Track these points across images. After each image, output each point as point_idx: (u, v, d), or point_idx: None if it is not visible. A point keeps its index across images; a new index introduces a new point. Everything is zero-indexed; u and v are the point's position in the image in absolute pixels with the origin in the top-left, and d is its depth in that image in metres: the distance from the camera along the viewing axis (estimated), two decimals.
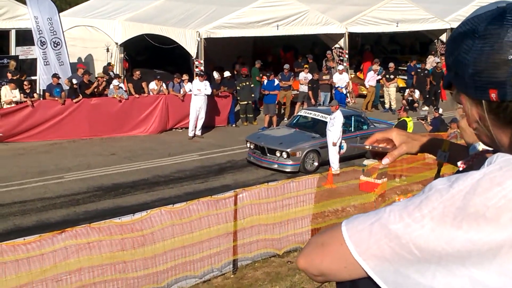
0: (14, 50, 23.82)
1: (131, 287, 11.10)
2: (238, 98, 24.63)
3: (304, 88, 25.89)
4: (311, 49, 30.67)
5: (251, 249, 12.94)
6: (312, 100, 25.04)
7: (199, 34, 24.43)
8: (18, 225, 14.71)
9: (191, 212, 11.74)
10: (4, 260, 9.58)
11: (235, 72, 26.52)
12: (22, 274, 9.80)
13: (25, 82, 21.70)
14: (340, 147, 19.07)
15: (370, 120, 21.26)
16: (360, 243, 1.63)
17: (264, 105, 24.86)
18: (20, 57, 23.65)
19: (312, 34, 27.97)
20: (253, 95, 24.99)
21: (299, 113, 21.68)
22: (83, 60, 27.08)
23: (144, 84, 23.67)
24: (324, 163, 19.26)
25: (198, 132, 22.79)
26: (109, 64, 25.66)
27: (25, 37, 23.68)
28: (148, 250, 11.21)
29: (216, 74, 24.82)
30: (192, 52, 24.61)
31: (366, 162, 17.18)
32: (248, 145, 19.92)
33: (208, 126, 23.49)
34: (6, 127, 20.73)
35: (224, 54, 27.55)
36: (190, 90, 23.14)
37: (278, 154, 19.01)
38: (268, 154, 19.22)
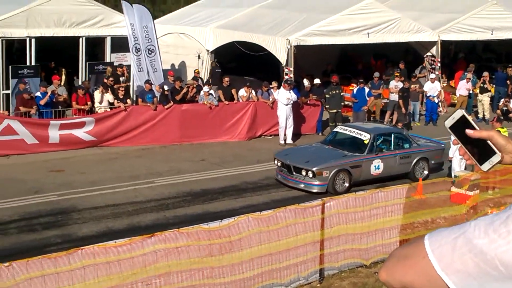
0: (109, 56, 24.49)
1: None
2: (327, 106, 24.54)
3: (394, 97, 25.58)
4: (402, 57, 30.28)
5: (338, 259, 12.85)
6: (403, 109, 24.70)
7: (289, 42, 24.52)
8: (111, 227, 15.10)
9: (278, 220, 11.76)
10: (96, 262, 9.83)
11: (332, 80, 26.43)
12: (114, 276, 10.04)
13: (120, 88, 22.27)
14: (376, 167, 18.31)
15: (413, 137, 19.84)
16: (443, 258, 1.62)
17: (353, 113, 24.69)
18: (114, 64, 24.29)
19: (403, 42, 27.64)
20: (342, 104, 24.84)
21: (335, 129, 20.26)
22: (176, 67, 27.59)
23: (233, 91, 23.91)
24: (356, 184, 17.96)
25: (289, 140, 22.82)
26: (196, 70, 25.98)
27: (119, 44, 24.31)
28: (235, 256, 11.29)
29: (306, 82, 24.84)
30: (282, 59, 24.71)
31: (457, 173, 16.79)
32: (276, 162, 18.67)
33: (296, 133, 23.51)
34: (101, 132, 21.31)
35: (314, 61, 27.53)
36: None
37: (304, 173, 17.69)
38: (294, 173, 17.94)
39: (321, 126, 24.68)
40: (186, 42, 28.10)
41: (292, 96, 22.87)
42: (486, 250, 1.57)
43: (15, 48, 24.27)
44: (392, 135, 19.10)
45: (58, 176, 18.52)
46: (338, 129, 19.94)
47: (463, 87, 27.62)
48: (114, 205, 16.45)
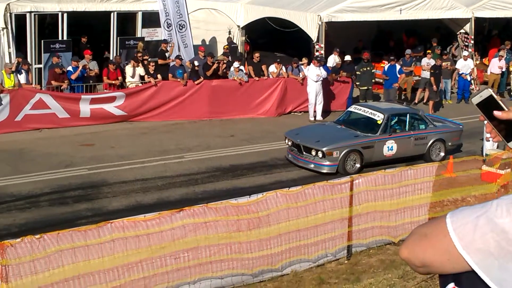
0: (140, 31, 24.53)
1: (246, 267, 11.28)
2: (358, 83, 24.40)
3: (426, 74, 25.34)
4: (435, 34, 29.95)
5: (366, 236, 12.85)
6: (434, 87, 24.47)
7: (320, 18, 24.36)
8: (140, 201, 15.24)
9: (306, 196, 11.78)
10: (126, 235, 9.95)
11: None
12: (143, 249, 10.15)
13: (150, 63, 22.34)
14: (389, 148, 18.00)
15: (429, 118, 19.40)
16: (464, 236, 1.61)
17: (384, 90, 24.53)
18: (145, 39, 24.33)
19: (436, 18, 27.31)
20: (373, 81, 24.67)
21: (349, 109, 19.78)
22: (206, 43, 27.56)
23: (264, 67, 23.86)
24: (368, 165, 17.55)
25: (319, 117, 22.77)
26: (225, 46, 25.89)
27: (150, 19, 24.33)
28: (263, 232, 11.35)
29: (337, 58, 24.70)
30: (313, 36, 24.58)
31: (488, 151, 16.63)
32: (286, 141, 18.39)
33: (326, 110, 23.43)
34: (131, 106, 21.44)
35: (345, 38, 27.34)
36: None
37: (313, 153, 17.35)
38: (304, 153, 17.61)
39: (351, 103, 24.49)
40: (217, 18, 28.04)
41: (322, 72, 22.78)
42: (508, 229, 1.56)
43: (47, 22, 24.40)
44: (408, 116, 18.68)
45: (89, 150, 18.70)
46: (352, 108, 19.49)
47: (495, 65, 27.28)
48: (144, 180, 16.58)
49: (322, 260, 12.30)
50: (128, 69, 22.19)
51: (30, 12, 21.98)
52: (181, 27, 24.12)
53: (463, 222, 1.64)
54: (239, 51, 26.93)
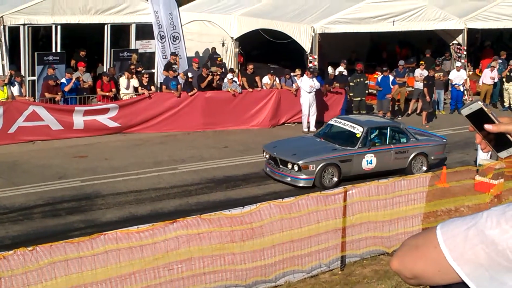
0: (134, 44, 24.55)
1: (240, 278, 11.25)
2: (351, 94, 24.46)
3: (419, 85, 25.41)
4: (427, 46, 30.07)
5: (360, 246, 12.85)
6: (427, 97, 24.53)
7: (313, 29, 24.43)
8: (133, 213, 15.21)
9: (300, 207, 11.77)
10: (119, 247, 9.92)
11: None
12: (136, 261, 10.13)
13: (144, 75, 22.35)
14: (368, 162, 17.65)
15: (412, 131, 18.94)
16: (455, 248, 1.61)
17: (377, 102, 24.59)
18: (139, 51, 24.34)
19: (429, 30, 27.42)
20: (366, 92, 24.71)
21: (330, 122, 19.26)
22: (200, 55, 27.61)
23: (257, 78, 23.89)
24: (347, 179, 17.03)
25: (313, 128, 22.79)
26: (218, 58, 25.88)
27: (144, 31, 24.36)
28: (256, 243, 11.33)
29: (330, 70, 24.78)
30: (306, 47, 24.64)
31: (482, 161, 16.66)
32: (264, 154, 18.08)
33: (320, 121, 23.43)
34: (125, 118, 21.43)
35: (339, 49, 27.41)
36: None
37: (290, 166, 17.04)
38: (281, 166, 17.30)
39: (345, 114, 24.59)
40: (210, 30, 28.11)
41: (315, 83, 22.84)
42: (497, 241, 1.56)
43: (40, 34, 24.40)
44: (388, 129, 18.33)
45: (82, 162, 18.67)
46: (332, 121, 19.07)
47: (487, 76, 27.39)
48: (137, 191, 16.56)
49: (316, 271, 12.28)
50: (122, 81, 22.21)
51: (24, 24, 21.97)
52: (174, 39, 24.15)
53: (454, 234, 1.64)
54: (232, 62, 26.97)
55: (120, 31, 24.75)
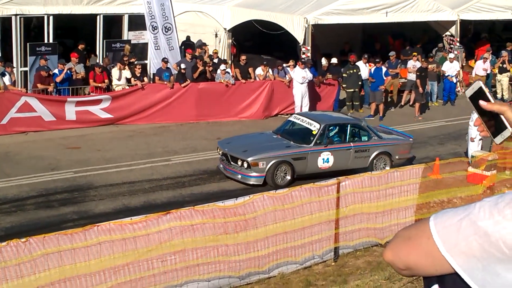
0: (126, 34, 24.48)
1: (233, 270, 11.27)
2: (344, 85, 24.47)
3: (412, 77, 25.43)
4: (421, 37, 30.07)
5: (353, 238, 12.88)
6: (420, 89, 24.55)
7: (306, 21, 24.40)
8: (127, 204, 15.21)
9: (293, 198, 11.79)
10: (112, 239, 9.92)
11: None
12: (129, 252, 10.12)
13: (137, 66, 22.30)
14: (325, 161, 16.97)
15: (376, 129, 18.31)
16: (448, 239, 1.62)
17: (370, 93, 24.61)
18: (132, 42, 24.28)
19: (422, 21, 27.42)
20: (360, 83, 24.71)
21: (290, 118, 18.63)
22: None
23: (250, 70, 23.87)
24: (301, 178, 16.39)
25: None
26: (214, 50, 25.83)
27: (137, 22, 24.29)
28: (250, 234, 11.34)
29: (324, 61, 24.77)
30: (299, 38, 24.61)
31: (474, 153, 16.70)
32: (218, 150, 17.56)
33: None
34: (117, 109, 21.39)
35: (332, 40, 27.39)
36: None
37: (239, 163, 16.48)
38: (232, 163, 16.75)
39: (337, 105, 24.62)
40: (203, 20, 28.03)
41: (308, 75, 22.84)
42: (490, 232, 1.57)
43: (33, 25, 24.29)
44: (348, 127, 17.59)
45: (75, 153, 18.64)
46: (292, 118, 18.42)
47: (479, 67, 27.43)
48: (130, 183, 16.55)
49: (309, 262, 12.31)
50: (114, 72, 22.15)
51: (16, 15, 21.87)
52: (167, 30, 24.08)
53: (446, 225, 1.65)
54: (225, 53, 26.93)
55: (113, 22, 24.67)
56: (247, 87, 23.25)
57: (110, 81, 22.11)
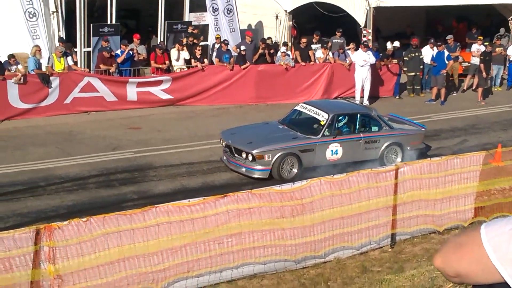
0: (187, 16, 24.62)
1: (289, 253, 11.31)
2: (405, 69, 24.15)
3: (476, 61, 24.94)
4: (486, 20, 29.43)
5: (411, 224, 12.77)
6: (484, 73, 24.07)
7: (368, 3, 24.14)
8: (185, 185, 15.37)
9: (350, 184, 11.74)
10: (170, 220, 10.06)
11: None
12: (187, 234, 10.25)
13: (197, 47, 22.43)
14: (333, 152, 16.15)
15: (387, 119, 17.43)
16: (499, 248, 1.60)
17: (432, 77, 24.24)
18: (193, 23, 24.41)
19: (487, 4, 26.82)
20: (421, 67, 24.35)
21: (297, 107, 17.42)
22: (253, 27, 27.54)
23: (311, 52, 23.76)
24: (309, 170, 15.57)
25: (366, 102, 22.62)
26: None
27: (198, 3, 24.39)
28: (306, 219, 11.35)
29: (389, 45, 24.48)
30: (361, 21, 24.38)
31: None
32: (221, 142, 16.72)
33: (372, 96, 23.26)
34: (178, 90, 21.59)
35: (394, 23, 27.04)
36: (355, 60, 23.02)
37: (244, 155, 15.68)
38: (236, 155, 15.97)
39: (398, 89, 24.34)
40: (264, 2, 27.94)
41: (370, 58, 22.59)
42: None
43: (96, 6, 24.65)
44: (358, 116, 16.68)
45: (135, 134, 18.90)
46: (299, 107, 17.31)
47: None
48: (189, 164, 16.70)
49: (365, 247, 12.26)
50: (173, 53, 22.33)
51: None
52: (228, 12, 24.13)
53: (498, 233, 1.63)
54: (285, 36, 26.85)
55: (174, 3, 24.84)
56: (307, 70, 23.17)
57: (171, 62, 22.30)
